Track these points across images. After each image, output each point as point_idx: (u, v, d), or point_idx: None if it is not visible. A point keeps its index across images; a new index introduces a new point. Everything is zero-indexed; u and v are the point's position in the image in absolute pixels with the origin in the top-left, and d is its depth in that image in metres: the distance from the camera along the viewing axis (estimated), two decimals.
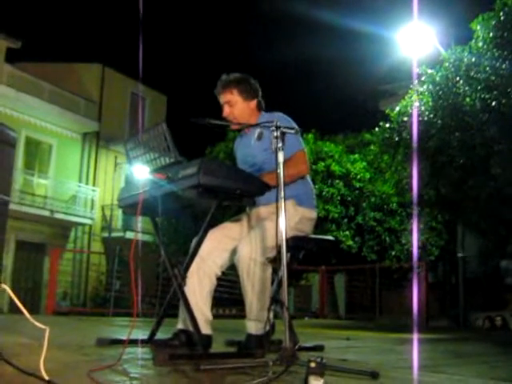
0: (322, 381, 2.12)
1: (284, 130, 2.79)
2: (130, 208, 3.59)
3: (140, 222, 23.80)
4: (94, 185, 23.62)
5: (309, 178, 3.63)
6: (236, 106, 3.59)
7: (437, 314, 15.21)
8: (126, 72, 25.06)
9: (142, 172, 3.40)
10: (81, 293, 22.24)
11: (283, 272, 2.68)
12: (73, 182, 22.64)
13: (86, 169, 23.65)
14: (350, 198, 14.56)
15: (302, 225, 3.43)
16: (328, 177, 14.40)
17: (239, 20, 65.43)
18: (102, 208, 23.82)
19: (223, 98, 3.62)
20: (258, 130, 3.53)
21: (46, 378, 1.73)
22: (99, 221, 23.73)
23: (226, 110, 3.61)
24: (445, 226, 14.21)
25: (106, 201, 23.86)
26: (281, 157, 2.76)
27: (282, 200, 2.72)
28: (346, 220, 14.40)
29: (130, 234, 22.70)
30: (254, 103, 3.63)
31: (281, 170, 2.74)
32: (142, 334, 3.47)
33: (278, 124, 2.81)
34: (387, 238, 14.52)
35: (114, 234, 22.89)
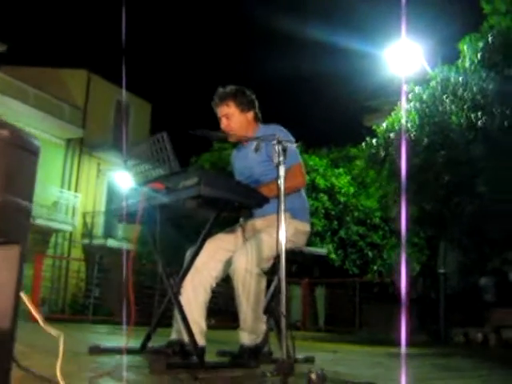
0: None
1: (285, 145, 2.83)
2: (126, 217, 3.59)
3: (121, 230, 23.84)
4: (76, 191, 23.49)
5: (303, 192, 3.67)
6: (233, 118, 3.62)
7: (416, 328, 15.28)
8: (111, 79, 25.05)
9: (139, 181, 3.42)
10: (59, 299, 22.03)
11: (282, 283, 2.69)
12: (55, 187, 22.49)
13: (68, 175, 23.52)
14: (333, 212, 14.66)
15: (296, 238, 3.45)
16: (312, 190, 14.49)
17: (226, 31, 65.64)
18: (84, 215, 23.69)
19: (220, 111, 3.65)
20: (254, 143, 3.56)
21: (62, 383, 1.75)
22: (80, 228, 23.60)
23: (224, 123, 3.63)
24: (426, 242, 14.35)
25: (88, 208, 23.76)
26: (282, 171, 2.78)
27: (282, 212, 2.75)
28: (329, 233, 14.50)
29: (111, 242, 22.60)
30: (250, 115, 3.66)
31: (281, 184, 2.77)
32: (129, 343, 3.46)
33: (280, 138, 2.84)
34: (369, 253, 14.63)
35: (95, 242, 22.78)
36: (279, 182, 2.77)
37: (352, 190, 14.91)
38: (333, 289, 15.90)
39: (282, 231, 2.74)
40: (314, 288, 16.47)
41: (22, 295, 1.53)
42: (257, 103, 3.72)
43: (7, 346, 1.44)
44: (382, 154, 9.93)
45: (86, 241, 23.17)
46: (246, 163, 3.65)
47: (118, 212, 3.62)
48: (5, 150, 1.40)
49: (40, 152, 1.55)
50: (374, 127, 10.63)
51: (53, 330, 1.67)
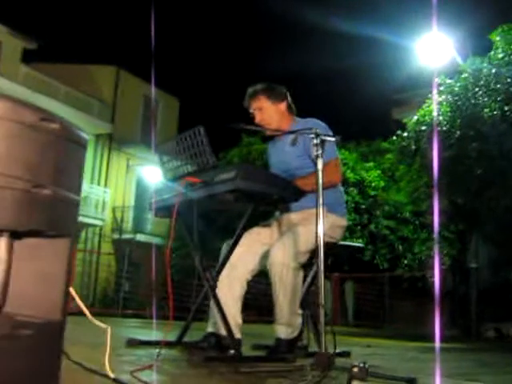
0: None
1: (324, 138, 2.80)
2: (161, 211, 3.60)
3: (150, 224, 24.00)
4: (105, 186, 23.67)
5: (340, 186, 3.66)
6: (266, 110, 3.62)
7: (447, 323, 15.18)
8: (139, 75, 25.17)
9: (174, 176, 3.41)
10: (90, 293, 22.24)
11: (320, 275, 2.66)
12: (85, 182, 22.64)
13: (98, 170, 23.72)
14: (363, 206, 14.58)
15: (332, 232, 3.42)
16: (342, 184, 14.40)
17: (256, 27, 65.55)
18: (113, 210, 23.88)
19: (252, 106, 3.64)
20: (291, 136, 3.55)
21: (112, 375, 1.77)
22: (110, 222, 23.78)
23: (258, 117, 3.63)
24: (457, 236, 14.21)
25: (117, 202, 23.93)
26: (320, 164, 2.76)
27: (321, 206, 2.72)
28: (359, 228, 14.43)
29: (140, 237, 22.77)
30: (283, 105, 3.65)
31: (320, 177, 2.75)
32: (161, 337, 3.48)
33: (318, 131, 2.82)
34: (400, 247, 14.54)
35: (125, 236, 22.94)
36: (318, 175, 2.75)
37: (382, 183, 14.84)
38: (362, 283, 15.84)
39: (320, 225, 2.71)
40: (343, 283, 16.42)
41: (71, 289, 1.55)
42: (289, 96, 3.71)
43: (58, 339, 1.45)
44: (413, 147, 9.84)
45: (116, 235, 23.34)
46: (281, 157, 3.64)
47: (155, 206, 3.63)
48: (55, 143, 1.41)
49: (88, 145, 1.56)
50: (404, 120, 10.55)
51: (100, 324, 1.69)
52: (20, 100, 1.37)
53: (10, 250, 1.35)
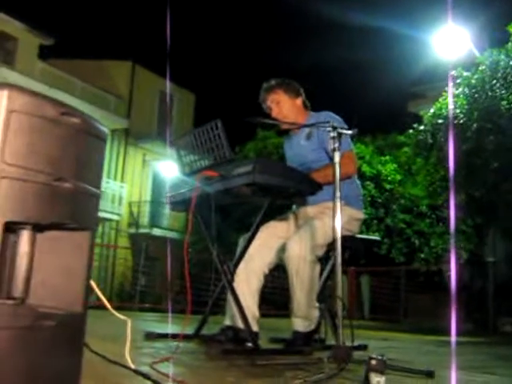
0: (383, 378, 2.14)
1: (341, 131, 2.80)
2: (178, 205, 3.62)
3: (166, 219, 24.06)
4: (122, 181, 23.75)
5: (357, 179, 3.66)
6: (283, 104, 3.63)
7: (463, 317, 15.09)
8: (155, 70, 25.19)
9: (190, 170, 3.42)
10: (107, 287, 22.35)
11: (338, 268, 2.66)
12: None
13: (114, 165, 23.78)
14: (380, 200, 14.55)
15: (349, 225, 3.42)
16: (358, 178, 14.39)
17: (271, 20, 65.36)
18: (130, 204, 23.96)
19: (269, 100, 3.66)
20: (306, 130, 3.56)
21: (132, 366, 1.79)
22: (126, 217, 23.86)
23: (275, 110, 3.64)
24: (474, 230, 14.13)
25: (134, 197, 24.01)
26: (337, 157, 2.76)
27: (338, 199, 2.72)
28: (375, 221, 14.40)
29: (156, 231, 22.84)
30: (299, 101, 3.67)
31: (337, 170, 2.75)
32: (179, 330, 3.50)
33: (334, 124, 2.82)
34: (416, 241, 14.48)
35: (141, 231, 23.03)
36: (335, 168, 2.75)
37: (398, 177, 14.81)
38: (378, 277, 15.81)
39: (337, 218, 2.71)
40: (359, 276, 16.40)
41: (92, 282, 1.57)
42: (303, 91, 3.72)
43: (80, 331, 1.47)
44: (430, 140, 9.78)
45: (133, 230, 23.45)
46: (297, 151, 3.65)
47: (171, 200, 3.64)
48: (76, 137, 1.43)
49: (107, 138, 1.58)
50: (421, 113, 10.48)
51: (121, 316, 1.71)
52: (41, 94, 1.39)
53: (33, 242, 1.37)
